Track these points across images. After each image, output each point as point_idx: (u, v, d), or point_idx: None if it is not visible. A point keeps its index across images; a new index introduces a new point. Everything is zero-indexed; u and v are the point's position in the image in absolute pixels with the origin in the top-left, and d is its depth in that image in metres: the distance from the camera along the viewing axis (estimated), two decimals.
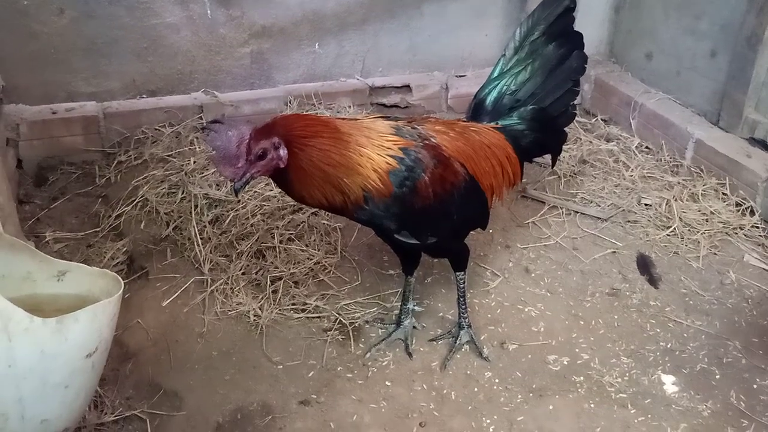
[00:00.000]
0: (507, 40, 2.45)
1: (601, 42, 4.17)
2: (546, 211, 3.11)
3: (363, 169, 1.91)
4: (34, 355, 1.57)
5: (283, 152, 1.87)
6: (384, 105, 3.92)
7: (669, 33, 3.67)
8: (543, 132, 2.39)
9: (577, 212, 3.11)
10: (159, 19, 3.46)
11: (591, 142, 3.63)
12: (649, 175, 3.34)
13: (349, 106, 3.79)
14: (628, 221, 3.05)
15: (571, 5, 2.38)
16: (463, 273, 2.33)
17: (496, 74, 2.41)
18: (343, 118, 2.12)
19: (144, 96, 3.59)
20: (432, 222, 2.07)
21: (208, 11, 3.52)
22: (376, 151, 1.94)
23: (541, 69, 2.39)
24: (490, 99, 2.38)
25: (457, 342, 2.35)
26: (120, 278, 1.79)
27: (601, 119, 3.87)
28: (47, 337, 1.57)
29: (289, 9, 3.64)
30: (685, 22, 3.55)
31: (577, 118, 3.84)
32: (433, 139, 2.08)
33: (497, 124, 2.35)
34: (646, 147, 3.59)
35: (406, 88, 3.94)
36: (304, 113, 2.25)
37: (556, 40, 2.39)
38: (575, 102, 2.51)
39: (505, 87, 2.38)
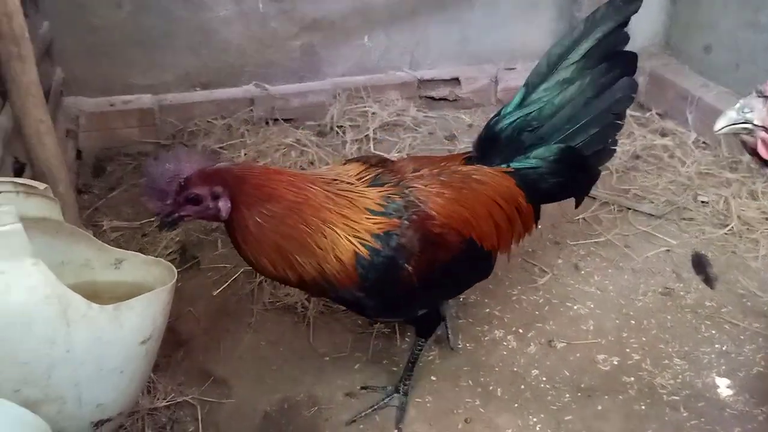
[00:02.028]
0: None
1: (656, 34, 4.05)
2: (597, 208, 3.05)
3: (321, 251, 1.67)
4: (91, 340, 1.61)
5: (223, 204, 1.67)
6: (432, 98, 3.91)
7: (728, 25, 3.54)
8: (568, 175, 2.06)
9: (630, 209, 3.04)
10: (212, 13, 3.51)
11: (645, 136, 3.54)
12: (706, 171, 3.24)
13: (397, 99, 3.79)
14: (683, 219, 2.96)
15: (624, 21, 1.97)
16: (424, 340, 2.11)
17: (513, 106, 2.05)
18: (332, 178, 1.80)
19: (197, 89, 3.66)
20: (418, 301, 1.92)
21: (260, 5, 3.56)
22: (345, 233, 1.69)
23: (574, 100, 2.02)
24: (505, 135, 2.04)
25: (384, 401, 2.09)
26: (173, 267, 1.82)
27: (656, 113, 3.76)
28: (104, 324, 1.61)
29: (339, 2, 3.65)
30: (744, 15, 3.42)
31: (630, 112, 3.74)
32: (423, 206, 1.81)
33: (508, 167, 2.03)
34: (704, 142, 3.48)
35: (455, 81, 3.91)
36: (272, 167, 1.95)
37: (600, 64, 2.01)
38: (617, 135, 2.13)
39: (524, 122, 2.03)
